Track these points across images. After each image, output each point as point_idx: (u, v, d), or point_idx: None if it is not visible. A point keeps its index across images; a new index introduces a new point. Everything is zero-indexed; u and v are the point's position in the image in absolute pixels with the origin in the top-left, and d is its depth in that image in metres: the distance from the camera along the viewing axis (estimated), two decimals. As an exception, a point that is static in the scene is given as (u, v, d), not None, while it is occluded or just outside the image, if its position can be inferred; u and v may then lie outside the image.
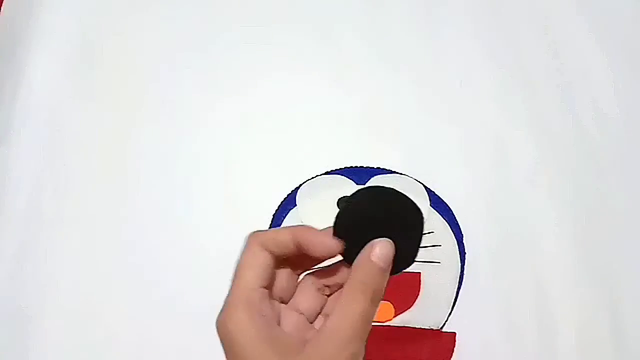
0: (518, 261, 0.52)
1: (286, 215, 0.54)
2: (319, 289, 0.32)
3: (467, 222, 0.54)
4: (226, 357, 0.29)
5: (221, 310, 0.29)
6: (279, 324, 0.30)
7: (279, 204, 0.55)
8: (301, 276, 0.33)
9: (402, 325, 0.50)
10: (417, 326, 0.51)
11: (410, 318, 0.51)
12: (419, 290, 0.51)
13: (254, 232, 0.31)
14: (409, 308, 0.51)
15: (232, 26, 0.62)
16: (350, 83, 0.59)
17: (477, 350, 0.50)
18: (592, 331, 0.50)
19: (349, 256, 0.30)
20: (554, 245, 0.53)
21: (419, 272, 0.52)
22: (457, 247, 0.53)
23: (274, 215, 0.54)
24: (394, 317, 0.51)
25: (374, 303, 0.29)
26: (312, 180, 0.55)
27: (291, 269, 0.32)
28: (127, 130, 0.58)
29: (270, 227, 0.54)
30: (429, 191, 0.54)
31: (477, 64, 0.60)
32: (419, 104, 0.58)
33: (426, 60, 0.60)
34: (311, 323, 0.32)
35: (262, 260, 0.30)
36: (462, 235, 0.53)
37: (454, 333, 0.50)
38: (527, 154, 0.56)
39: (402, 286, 0.52)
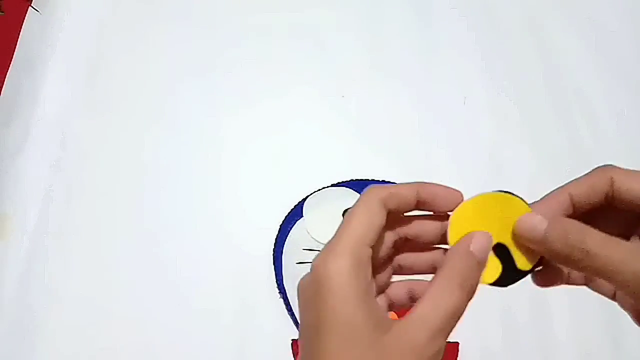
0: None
1: (293, 225, 0.55)
2: (393, 268, 0.30)
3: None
4: (313, 300, 0.26)
5: (323, 252, 0.26)
6: None
7: (286, 214, 0.56)
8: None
9: (405, 334, 0.51)
10: (420, 336, 0.51)
11: None
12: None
13: (374, 186, 0.28)
14: (412, 317, 0.51)
15: (237, 43, 0.65)
16: (352, 99, 0.61)
17: (480, 359, 0.50)
18: (592, 342, 0.50)
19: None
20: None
21: (457, 342, 0.52)
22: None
23: (281, 226, 0.55)
24: (398, 326, 0.51)
25: (469, 297, 0.27)
26: (319, 192, 0.56)
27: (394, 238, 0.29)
28: (134, 144, 0.60)
29: (277, 237, 0.55)
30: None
31: (474, 78, 0.62)
32: (417, 118, 0.60)
33: (424, 76, 0.62)
34: None
35: (377, 218, 0.27)
36: (466, 246, 0.54)
37: (457, 343, 0.51)
38: (523, 167, 0.57)
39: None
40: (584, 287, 0.53)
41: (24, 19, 0.65)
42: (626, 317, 0.50)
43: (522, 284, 0.52)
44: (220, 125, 0.60)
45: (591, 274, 0.27)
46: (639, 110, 0.60)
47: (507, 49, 0.63)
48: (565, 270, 0.31)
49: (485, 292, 0.51)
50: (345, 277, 0.25)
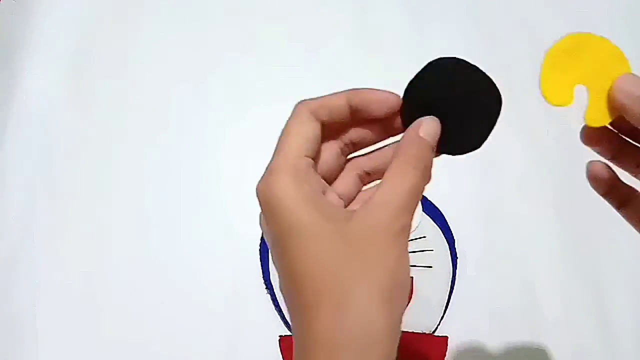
0: (508, 265, 0.53)
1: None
2: (358, 175, 0.31)
3: (458, 227, 0.54)
4: (267, 223, 0.27)
5: (263, 176, 0.28)
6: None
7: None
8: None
9: (394, 329, 0.51)
10: (409, 330, 0.51)
11: (403, 322, 0.51)
12: (411, 295, 0.52)
13: (303, 100, 0.29)
14: (402, 312, 0.51)
15: (223, 33, 0.63)
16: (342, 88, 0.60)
17: (469, 353, 0.50)
18: (582, 334, 0.51)
19: (409, 120, 0.29)
20: (543, 250, 0.54)
21: (411, 277, 0.52)
22: (449, 251, 0.53)
23: (267, 221, 0.55)
24: (387, 321, 0.51)
25: (424, 178, 0.28)
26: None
27: (338, 146, 0.30)
28: (119, 137, 0.58)
29: (262, 234, 0.54)
30: (422, 197, 0.55)
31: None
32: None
33: (416, 66, 0.61)
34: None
35: (310, 129, 0.28)
36: (454, 240, 0.54)
37: (446, 337, 0.51)
38: (516, 161, 0.57)
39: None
40: (574, 275, 0.54)
41: (-3, 7, 0.63)
42: (617, 307, 0.51)
43: (511, 276, 0.52)
44: (212, 119, 0.59)
45: None
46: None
47: (500, 50, 0.62)
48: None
49: (475, 286, 0.52)
50: (288, 188, 0.26)
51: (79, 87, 0.60)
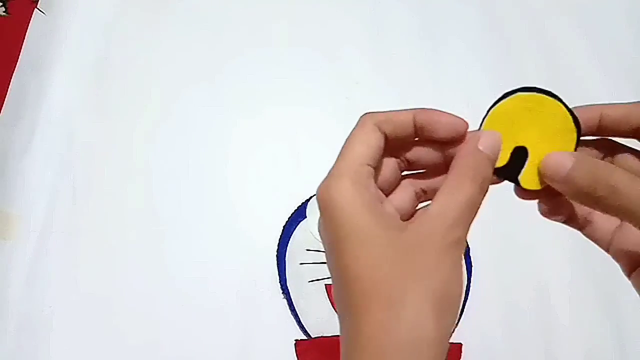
0: (522, 274, 0.53)
1: (296, 226, 0.56)
2: (415, 192, 0.31)
3: (473, 236, 0.54)
4: (324, 226, 0.27)
5: (324, 180, 0.28)
6: None
7: (289, 216, 0.56)
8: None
9: (409, 335, 0.51)
10: (423, 336, 0.51)
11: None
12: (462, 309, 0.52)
13: (369, 112, 0.29)
14: (416, 319, 0.52)
15: (243, 47, 0.65)
16: (356, 102, 0.62)
17: (483, 360, 0.50)
18: (595, 341, 0.51)
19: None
20: (556, 258, 0.54)
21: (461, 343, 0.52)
22: (464, 260, 0.54)
23: (284, 227, 0.56)
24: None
25: (482, 191, 0.27)
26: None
27: (396, 162, 0.30)
28: (140, 144, 0.60)
29: (280, 238, 0.55)
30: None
31: (477, 82, 0.62)
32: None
33: (428, 80, 0.62)
34: None
35: (374, 140, 0.28)
36: (469, 248, 0.54)
37: (461, 344, 0.51)
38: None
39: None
40: (586, 280, 0.54)
41: (29, 20, 0.65)
42: (629, 312, 0.51)
43: (525, 284, 0.52)
44: (226, 127, 0.61)
45: (613, 213, 0.27)
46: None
47: (511, 53, 0.63)
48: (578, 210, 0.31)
49: (489, 293, 0.52)
50: (349, 193, 0.27)
51: (100, 95, 0.62)
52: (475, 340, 0.51)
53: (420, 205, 0.31)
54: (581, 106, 0.29)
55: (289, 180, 0.58)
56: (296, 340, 0.52)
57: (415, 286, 0.25)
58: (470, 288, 0.53)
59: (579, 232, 0.54)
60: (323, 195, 0.27)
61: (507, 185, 0.57)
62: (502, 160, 0.29)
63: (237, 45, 0.65)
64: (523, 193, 0.30)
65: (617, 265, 0.52)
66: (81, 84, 0.63)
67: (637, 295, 0.52)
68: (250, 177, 0.59)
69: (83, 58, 0.64)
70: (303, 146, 0.60)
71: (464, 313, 0.52)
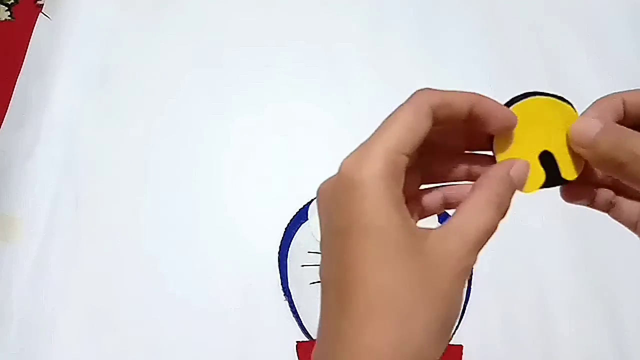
0: (521, 276, 0.53)
1: (298, 228, 0.56)
2: (442, 204, 0.29)
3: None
4: (342, 202, 0.24)
5: (354, 153, 0.25)
6: None
7: (291, 218, 0.56)
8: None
9: (409, 337, 0.51)
10: (424, 339, 0.51)
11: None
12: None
13: (426, 89, 0.26)
14: (417, 321, 0.52)
15: (243, 48, 0.65)
16: (357, 105, 0.62)
17: (483, 362, 0.50)
18: (593, 344, 0.51)
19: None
20: (555, 260, 0.54)
21: (461, 345, 0.52)
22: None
23: (286, 229, 0.56)
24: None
25: (499, 220, 0.26)
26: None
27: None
28: (143, 148, 0.60)
29: (282, 240, 0.55)
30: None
31: (477, 86, 0.61)
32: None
33: (428, 83, 0.62)
34: None
35: (423, 126, 0.25)
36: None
37: (461, 346, 0.51)
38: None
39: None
40: (586, 287, 0.54)
41: (34, 24, 0.66)
42: (629, 319, 0.51)
43: (525, 287, 0.52)
44: (228, 130, 0.61)
45: (635, 181, 0.27)
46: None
47: (510, 56, 0.64)
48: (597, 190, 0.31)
49: (489, 296, 0.52)
50: (381, 183, 0.24)
51: (103, 100, 0.63)
52: (476, 342, 0.51)
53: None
54: (603, 97, 0.29)
55: (290, 182, 0.58)
56: (297, 342, 0.52)
57: (427, 307, 0.24)
58: (471, 291, 0.53)
59: (578, 234, 0.54)
60: (351, 171, 0.24)
61: (515, 197, 0.57)
62: (535, 172, 0.28)
63: (240, 47, 0.65)
64: (571, 194, 0.30)
65: (616, 267, 0.53)
66: (84, 88, 0.63)
67: (636, 299, 0.52)
68: (252, 179, 0.59)
69: (86, 62, 0.65)
70: (305, 148, 0.60)
71: (464, 315, 0.52)
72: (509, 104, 0.28)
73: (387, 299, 0.24)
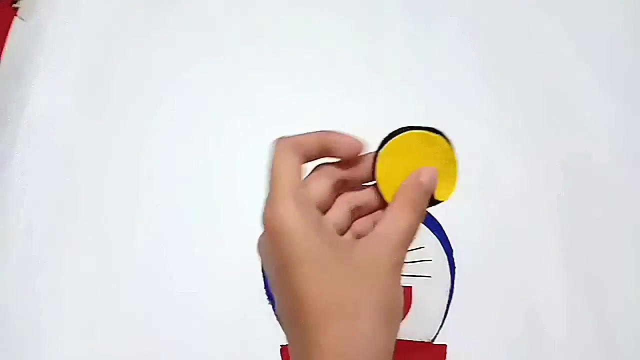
0: (506, 274, 0.54)
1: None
2: (351, 210, 0.33)
3: (456, 237, 0.55)
4: (273, 249, 0.29)
5: (266, 207, 0.29)
6: None
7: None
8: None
9: (394, 337, 0.52)
10: (408, 338, 0.52)
11: (402, 330, 0.51)
12: (410, 304, 0.53)
13: (281, 137, 0.31)
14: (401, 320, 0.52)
15: (236, 45, 0.65)
16: (350, 101, 0.62)
17: (468, 360, 0.51)
18: (581, 342, 0.51)
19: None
20: (541, 259, 0.54)
21: (410, 286, 0.53)
22: (447, 261, 0.54)
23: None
24: (386, 329, 0.52)
25: (419, 221, 0.31)
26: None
27: (330, 182, 0.32)
28: (132, 146, 0.60)
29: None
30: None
31: (469, 84, 0.62)
32: (413, 122, 0.60)
33: (421, 81, 0.62)
34: None
35: (296, 161, 0.31)
36: (452, 250, 0.55)
37: (445, 345, 0.52)
38: (515, 171, 0.58)
39: (394, 300, 0.53)
40: (574, 286, 0.54)
41: (9, 27, 0.65)
42: (618, 319, 0.51)
43: (509, 285, 0.53)
44: (222, 131, 0.60)
45: None
46: (637, 124, 0.60)
47: (505, 58, 0.63)
48: None
49: (473, 295, 0.52)
50: (296, 216, 0.29)
51: (85, 102, 0.62)
52: (460, 341, 0.51)
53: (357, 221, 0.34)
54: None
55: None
56: (282, 345, 0.52)
57: (368, 302, 0.28)
58: (454, 290, 0.53)
59: (565, 229, 0.55)
60: (271, 220, 0.29)
61: (491, 189, 0.57)
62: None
63: (233, 47, 0.64)
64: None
65: (604, 267, 0.54)
66: (65, 91, 0.63)
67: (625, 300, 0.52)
68: (242, 181, 0.58)
69: (66, 66, 0.64)
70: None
71: (448, 315, 0.52)
72: (388, 138, 0.33)
73: (336, 305, 0.28)
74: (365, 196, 0.33)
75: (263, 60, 0.64)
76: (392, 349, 0.30)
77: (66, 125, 0.61)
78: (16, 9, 0.66)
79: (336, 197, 0.33)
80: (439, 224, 0.55)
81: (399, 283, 0.30)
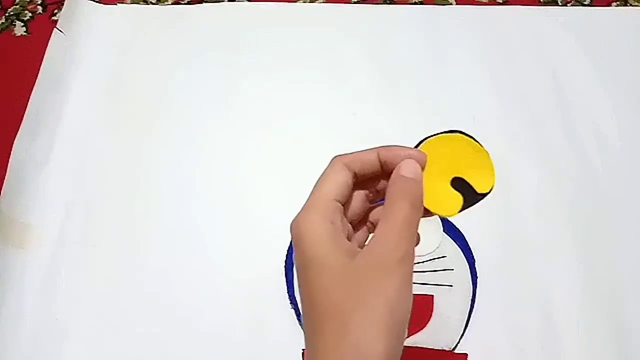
0: (527, 285, 0.54)
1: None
2: (367, 227, 0.35)
3: (479, 247, 0.55)
4: (295, 255, 0.31)
5: (298, 214, 0.32)
6: (348, 239, 0.33)
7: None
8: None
9: (415, 345, 0.52)
10: (429, 347, 0.52)
11: (423, 339, 0.52)
12: (431, 312, 0.53)
13: (339, 154, 0.33)
14: (422, 329, 0.52)
15: (251, 61, 0.67)
16: (363, 117, 0.63)
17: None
18: (599, 353, 0.51)
19: None
20: (561, 269, 0.54)
21: (432, 295, 0.53)
22: (469, 271, 0.55)
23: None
24: (407, 337, 0.52)
25: (415, 208, 0.31)
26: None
27: (365, 194, 0.34)
28: (151, 156, 0.62)
29: (289, 248, 0.56)
30: (441, 218, 0.56)
31: (483, 97, 0.63)
32: (426, 133, 0.61)
33: (434, 94, 0.63)
34: None
35: (342, 177, 0.32)
36: (474, 259, 0.55)
37: (466, 354, 0.51)
38: (532, 182, 0.58)
39: (415, 308, 0.52)
40: (592, 297, 0.54)
41: (49, 39, 0.67)
42: (636, 329, 0.51)
43: (530, 295, 0.53)
44: (238, 142, 0.62)
45: None
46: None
47: (515, 68, 0.64)
48: None
49: (494, 304, 0.52)
50: (315, 225, 0.31)
51: (115, 112, 0.64)
52: (481, 351, 0.51)
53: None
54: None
55: (297, 193, 0.58)
56: (303, 349, 0.52)
57: (360, 309, 0.28)
58: (476, 300, 0.53)
59: (584, 244, 0.55)
60: (295, 227, 0.31)
61: (512, 199, 0.57)
62: (453, 196, 0.34)
63: (248, 60, 0.67)
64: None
65: (622, 276, 0.53)
66: (96, 101, 0.65)
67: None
68: (258, 189, 0.60)
69: (98, 76, 0.66)
70: (311, 159, 0.60)
71: (469, 324, 0.52)
72: (417, 145, 0.34)
73: (331, 310, 0.29)
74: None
75: (273, 73, 0.66)
76: (396, 356, 0.29)
77: (98, 133, 0.63)
78: (55, 21, 0.69)
79: (369, 211, 0.35)
80: (461, 233, 0.56)
81: (403, 285, 0.29)
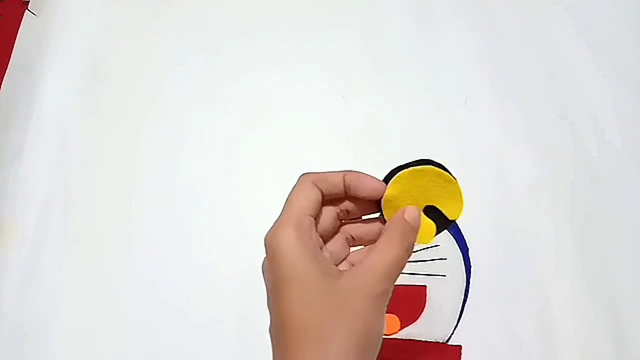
0: (522, 275, 0.53)
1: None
2: (347, 239, 0.36)
3: (472, 236, 0.54)
4: (269, 269, 0.32)
5: (271, 228, 0.32)
6: None
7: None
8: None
9: (408, 338, 0.51)
10: (422, 339, 0.51)
11: (416, 331, 0.51)
12: (424, 304, 0.52)
13: (306, 172, 0.34)
14: (415, 321, 0.51)
15: (235, 42, 0.64)
16: (352, 100, 0.61)
17: (482, 362, 0.50)
18: (594, 343, 0.50)
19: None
20: (556, 258, 0.53)
21: (425, 286, 0.53)
22: (462, 261, 0.53)
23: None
24: (400, 330, 0.51)
25: (407, 253, 0.33)
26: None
27: (335, 212, 0.35)
28: (133, 145, 0.59)
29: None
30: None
31: (478, 82, 0.61)
32: (417, 119, 0.59)
33: (425, 76, 0.62)
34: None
35: (313, 194, 0.33)
36: (468, 249, 0.54)
37: (460, 346, 0.51)
38: (527, 169, 0.57)
39: (408, 299, 0.52)
40: (588, 290, 0.53)
41: (20, 21, 0.64)
42: (631, 322, 0.50)
43: (526, 285, 0.52)
44: (221, 128, 0.60)
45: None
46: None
47: (508, 50, 0.63)
48: None
49: (488, 295, 0.51)
50: (293, 241, 0.31)
51: (93, 98, 0.62)
52: (475, 343, 0.50)
53: (352, 249, 0.36)
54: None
55: (284, 181, 0.56)
56: None
57: (342, 327, 0.30)
58: (470, 290, 0.52)
59: (580, 232, 0.54)
60: (270, 242, 0.32)
61: (506, 187, 0.56)
62: (426, 224, 0.36)
63: (233, 41, 0.64)
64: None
65: (617, 266, 0.52)
66: (74, 86, 0.62)
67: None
68: (246, 179, 0.58)
69: (75, 60, 0.63)
70: (297, 146, 0.59)
71: (463, 315, 0.52)
72: (390, 175, 0.35)
73: (311, 326, 0.30)
74: (362, 229, 0.36)
75: (263, 57, 0.63)
76: None
77: (76, 120, 0.60)
78: (27, 2, 0.66)
79: (339, 226, 0.36)
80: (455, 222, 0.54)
81: (381, 314, 0.31)
